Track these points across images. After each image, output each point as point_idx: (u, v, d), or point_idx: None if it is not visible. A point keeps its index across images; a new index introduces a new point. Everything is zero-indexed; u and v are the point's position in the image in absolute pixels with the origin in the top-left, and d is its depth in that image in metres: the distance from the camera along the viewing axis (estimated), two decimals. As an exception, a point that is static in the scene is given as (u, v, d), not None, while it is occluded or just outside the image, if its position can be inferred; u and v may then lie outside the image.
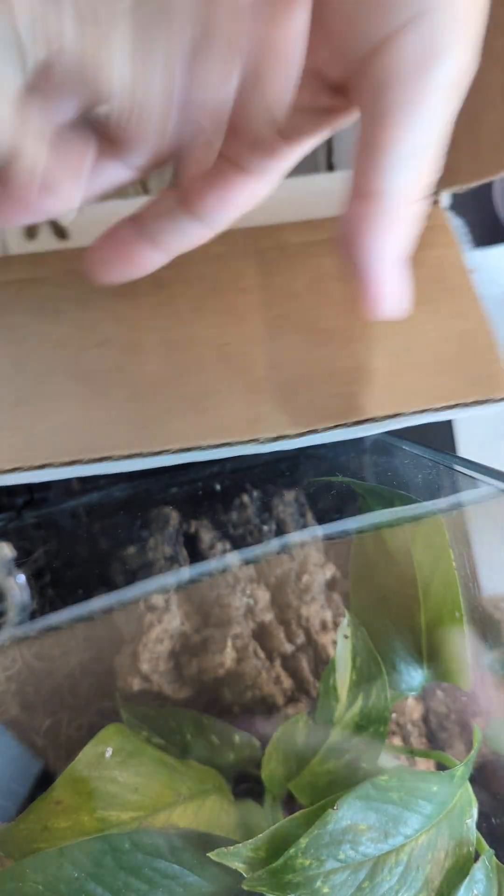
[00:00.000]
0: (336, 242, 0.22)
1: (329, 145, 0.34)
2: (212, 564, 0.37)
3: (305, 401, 0.30)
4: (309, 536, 0.38)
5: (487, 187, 0.47)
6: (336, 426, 0.30)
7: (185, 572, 0.37)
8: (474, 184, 0.31)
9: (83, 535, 0.38)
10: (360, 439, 0.34)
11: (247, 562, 0.36)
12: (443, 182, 0.33)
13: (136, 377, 0.30)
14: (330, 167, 0.35)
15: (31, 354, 0.31)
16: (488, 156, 0.30)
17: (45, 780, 0.31)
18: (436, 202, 0.34)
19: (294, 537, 0.38)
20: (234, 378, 0.30)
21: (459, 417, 0.31)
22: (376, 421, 0.30)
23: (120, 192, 0.30)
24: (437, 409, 0.30)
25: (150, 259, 0.25)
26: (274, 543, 0.38)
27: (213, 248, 0.32)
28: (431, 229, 0.33)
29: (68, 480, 0.40)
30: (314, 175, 0.35)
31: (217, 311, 0.32)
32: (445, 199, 0.34)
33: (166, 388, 0.30)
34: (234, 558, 0.36)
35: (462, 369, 0.30)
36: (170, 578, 0.36)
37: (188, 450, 0.29)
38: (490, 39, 0.24)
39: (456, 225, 0.34)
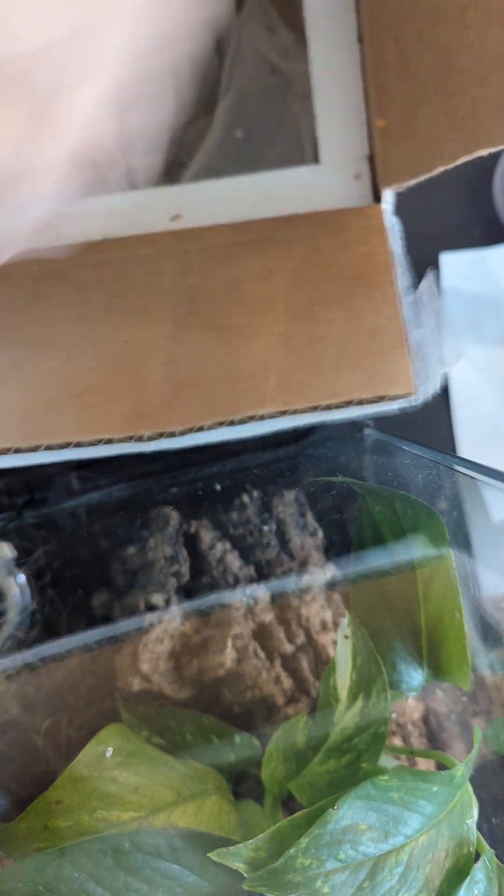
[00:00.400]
0: (259, 244, 0.22)
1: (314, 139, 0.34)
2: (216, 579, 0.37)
3: (195, 398, 0.30)
4: (309, 536, 0.38)
5: (487, 187, 0.47)
6: (221, 423, 0.29)
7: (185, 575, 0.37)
8: (413, 182, 0.30)
9: (83, 535, 0.38)
10: (361, 439, 0.34)
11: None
12: (384, 180, 0.33)
13: (32, 373, 0.30)
14: (316, 160, 0.34)
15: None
16: (424, 153, 0.29)
17: (45, 780, 0.31)
18: (377, 200, 0.34)
19: (294, 538, 0.38)
20: (126, 375, 0.30)
21: (357, 416, 0.31)
22: (263, 419, 0.29)
23: (106, 187, 0.30)
24: (329, 407, 0.29)
25: None
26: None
27: (139, 250, 0.32)
28: (366, 228, 0.33)
29: (69, 480, 0.40)
30: (300, 167, 0.34)
31: (127, 310, 0.32)
32: (389, 196, 0.33)
33: (58, 384, 0.30)
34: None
35: (365, 366, 0.30)
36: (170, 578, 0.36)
37: (65, 445, 0.29)
38: (422, 26, 0.24)
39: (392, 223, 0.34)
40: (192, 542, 0.38)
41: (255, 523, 0.38)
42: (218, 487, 0.39)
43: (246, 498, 0.39)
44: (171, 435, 0.30)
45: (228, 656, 0.34)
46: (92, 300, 0.32)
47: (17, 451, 0.29)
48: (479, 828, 0.26)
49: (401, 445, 0.37)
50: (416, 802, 0.24)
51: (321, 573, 0.37)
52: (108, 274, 0.32)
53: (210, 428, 0.29)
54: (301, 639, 0.35)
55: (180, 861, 0.25)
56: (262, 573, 0.37)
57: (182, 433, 0.29)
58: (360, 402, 0.29)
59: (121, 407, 0.30)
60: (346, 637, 0.30)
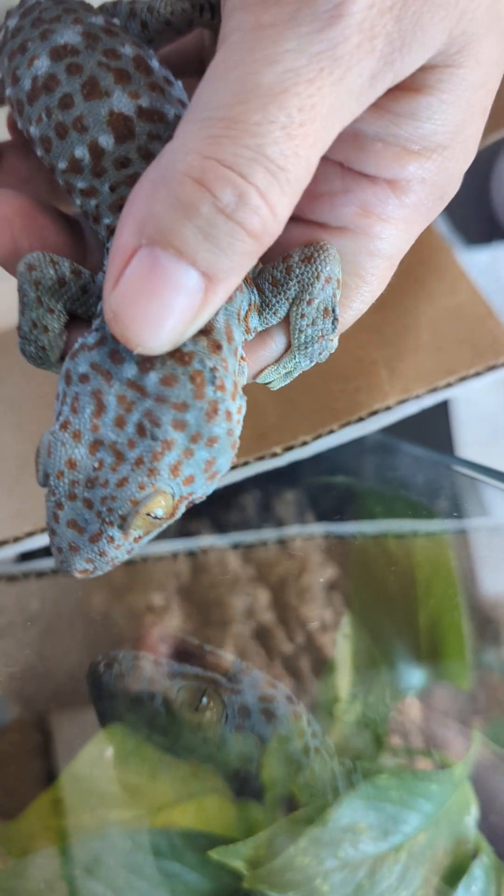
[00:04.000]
0: None
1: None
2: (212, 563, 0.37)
3: (310, 406, 0.30)
4: (309, 537, 0.38)
5: (485, 186, 0.47)
6: (347, 423, 0.30)
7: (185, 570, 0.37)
8: None
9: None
10: (361, 439, 0.34)
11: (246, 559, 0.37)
12: None
13: None
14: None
15: (31, 417, 0.31)
16: None
17: (45, 780, 0.31)
18: None
19: (294, 538, 0.38)
20: None
21: (472, 391, 0.31)
22: (389, 409, 0.30)
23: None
24: (448, 385, 0.30)
25: None
26: (273, 543, 0.38)
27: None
28: None
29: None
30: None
31: None
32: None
33: None
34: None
35: (465, 341, 0.30)
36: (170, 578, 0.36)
37: None
38: None
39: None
40: (192, 541, 0.38)
41: (255, 523, 0.38)
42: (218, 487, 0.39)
43: (246, 498, 0.39)
44: (304, 444, 0.30)
45: (228, 656, 0.34)
46: None
47: None
48: (477, 826, 0.26)
49: (401, 445, 0.37)
50: (415, 801, 0.24)
51: (321, 573, 0.37)
52: None
53: (340, 428, 0.30)
54: (301, 639, 0.35)
55: (181, 860, 0.25)
56: (263, 573, 0.37)
57: (313, 440, 0.30)
58: (477, 374, 0.30)
59: (244, 431, 0.30)
60: (346, 637, 0.30)
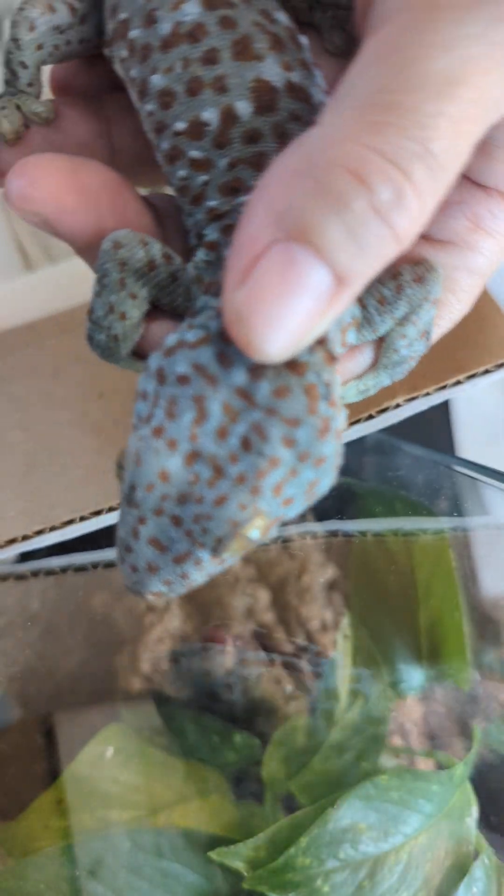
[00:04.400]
0: None
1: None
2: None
3: None
4: (309, 537, 0.38)
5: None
6: (358, 420, 0.30)
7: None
8: None
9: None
10: (361, 439, 0.34)
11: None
12: None
13: None
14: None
15: (37, 417, 0.31)
16: None
17: (46, 780, 0.31)
18: None
19: (294, 538, 0.38)
20: None
21: (472, 391, 0.31)
22: (399, 407, 0.30)
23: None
24: (458, 383, 0.30)
25: None
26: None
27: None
28: None
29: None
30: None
31: None
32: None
33: None
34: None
35: (474, 339, 0.30)
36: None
37: None
38: None
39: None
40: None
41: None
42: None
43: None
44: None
45: (228, 656, 0.34)
46: None
47: None
48: (478, 827, 0.26)
49: (401, 445, 0.37)
50: (416, 802, 0.24)
51: (321, 573, 0.37)
52: None
53: (350, 426, 0.29)
54: (301, 639, 0.35)
55: (181, 860, 0.25)
56: (263, 573, 0.37)
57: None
58: (486, 372, 0.29)
59: None
60: (346, 637, 0.30)
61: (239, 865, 0.23)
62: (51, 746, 0.32)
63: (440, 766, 0.31)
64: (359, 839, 0.23)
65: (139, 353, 0.20)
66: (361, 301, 0.19)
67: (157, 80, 0.19)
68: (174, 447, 0.16)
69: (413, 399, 0.30)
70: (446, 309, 0.20)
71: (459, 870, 0.24)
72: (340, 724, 0.29)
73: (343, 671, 0.29)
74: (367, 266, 0.15)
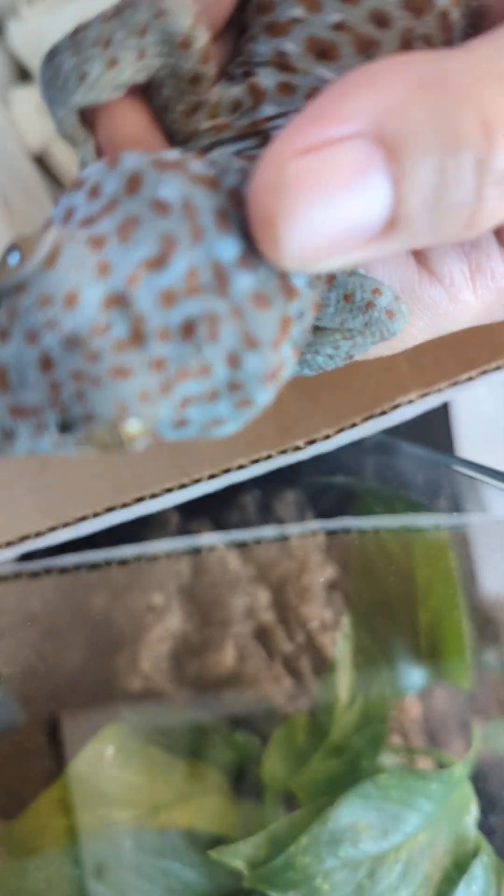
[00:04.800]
0: None
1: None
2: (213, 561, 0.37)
3: (331, 401, 0.30)
4: (309, 536, 0.38)
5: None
6: (370, 417, 0.30)
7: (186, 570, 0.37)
8: None
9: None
10: (361, 439, 0.34)
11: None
12: None
13: None
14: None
15: None
16: None
17: (46, 779, 0.31)
18: None
19: (294, 537, 0.38)
20: None
21: (471, 391, 0.31)
22: (412, 403, 0.30)
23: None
24: (470, 379, 0.30)
25: None
26: (273, 541, 0.38)
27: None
28: None
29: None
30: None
31: None
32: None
33: None
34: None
35: (483, 337, 0.30)
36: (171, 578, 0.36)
37: (226, 471, 0.29)
38: None
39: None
40: (192, 541, 0.38)
41: (255, 523, 0.38)
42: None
43: (246, 498, 0.39)
44: (327, 437, 0.29)
45: (228, 656, 0.34)
46: None
47: (183, 486, 0.30)
48: (477, 826, 0.26)
49: (401, 445, 0.37)
50: (416, 801, 0.24)
51: (321, 573, 0.37)
52: None
53: (363, 422, 0.29)
54: (301, 639, 0.35)
55: (182, 859, 0.25)
56: (263, 573, 0.37)
57: (336, 433, 0.29)
58: (498, 368, 0.29)
59: (264, 424, 0.29)
60: (346, 637, 0.30)
61: (239, 864, 0.23)
62: (51, 746, 0.32)
63: (440, 766, 0.31)
64: (358, 838, 0.23)
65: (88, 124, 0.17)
66: (330, 285, 0.17)
67: None
68: (104, 274, 0.13)
69: (427, 395, 0.30)
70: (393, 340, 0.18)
71: (459, 869, 0.24)
72: (340, 723, 0.29)
73: (343, 671, 0.29)
74: (428, 230, 0.13)
